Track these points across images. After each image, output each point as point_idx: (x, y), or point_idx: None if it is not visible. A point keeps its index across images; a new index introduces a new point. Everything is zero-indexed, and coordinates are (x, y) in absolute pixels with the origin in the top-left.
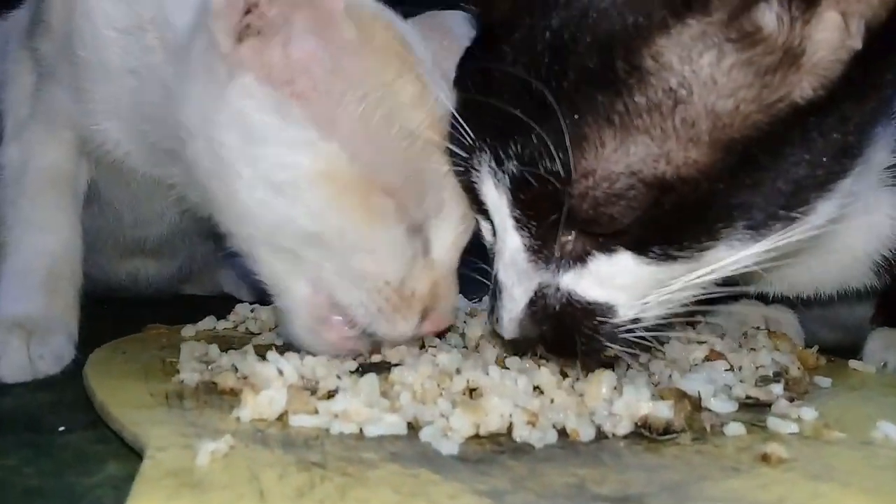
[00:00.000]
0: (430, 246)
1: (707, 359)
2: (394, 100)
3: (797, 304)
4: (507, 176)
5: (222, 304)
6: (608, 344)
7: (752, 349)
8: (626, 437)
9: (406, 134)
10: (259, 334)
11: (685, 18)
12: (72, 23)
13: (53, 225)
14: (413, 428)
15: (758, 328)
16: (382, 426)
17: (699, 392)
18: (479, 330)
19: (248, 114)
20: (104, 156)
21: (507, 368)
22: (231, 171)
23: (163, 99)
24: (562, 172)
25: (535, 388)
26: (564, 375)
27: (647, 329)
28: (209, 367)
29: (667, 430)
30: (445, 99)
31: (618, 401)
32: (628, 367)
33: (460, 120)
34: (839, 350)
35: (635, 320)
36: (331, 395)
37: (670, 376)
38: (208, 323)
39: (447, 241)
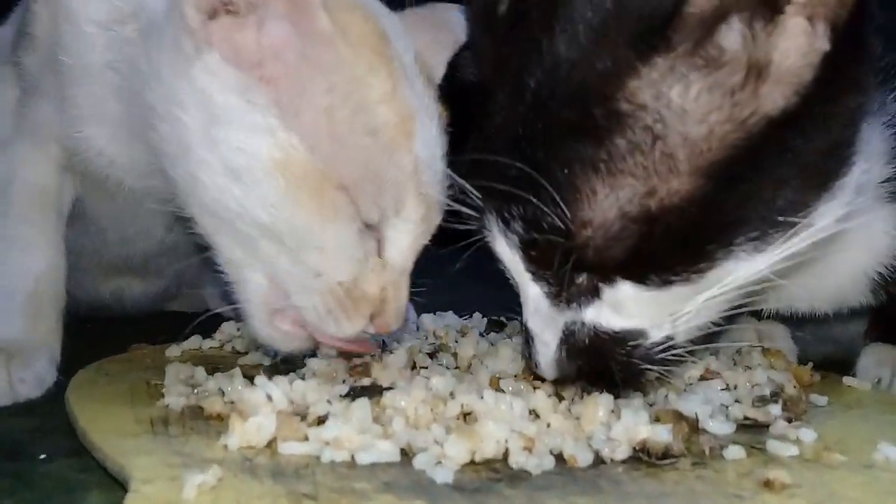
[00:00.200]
0: (385, 246)
1: (702, 377)
2: (362, 95)
3: (792, 319)
4: (515, 235)
5: (208, 321)
6: (646, 367)
7: (747, 367)
8: (624, 461)
9: (370, 130)
10: (246, 353)
11: (651, 57)
12: (57, 28)
13: (36, 245)
14: (406, 454)
15: (752, 345)
16: (375, 453)
17: (696, 413)
18: (472, 349)
19: (212, 93)
20: (90, 169)
21: (502, 391)
22: (193, 154)
23: (140, 87)
24: (562, 227)
25: (531, 411)
26: (560, 398)
27: (685, 344)
28: (195, 391)
29: (666, 454)
30: (415, 96)
31: (616, 425)
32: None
33: (467, 186)
34: (831, 364)
35: (668, 338)
36: (321, 420)
37: (666, 396)
38: (194, 342)
39: (404, 242)
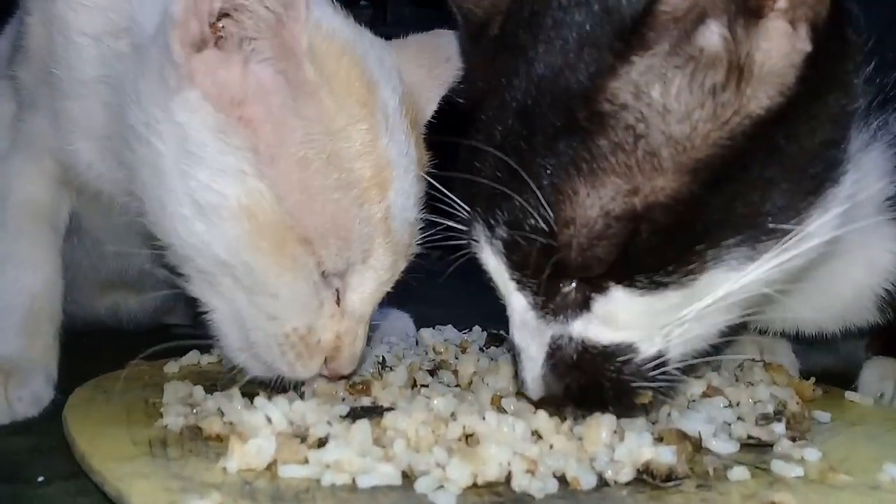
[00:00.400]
0: (345, 294)
1: (705, 394)
2: (340, 148)
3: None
4: (499, 241)
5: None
6: (638, 384)
7: (749, 383)
8: (628, 484)
9: (343, 185)
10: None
11: (630, 57)
12: (50, 40)
13: (33, 261)
14: (408, 477)
15: (753, 360)
16: (376, 477)
17: (700, 432)
18: (472, 366)
19: (189, 129)
20: (83, 183)
21: (504, 410)
22: (164, 182)
23: (124, 105)
24: (545, 228)
25: (533, 432)
26: (563, 418)
27: (680, 364)
28: (194, 411)
29: (670, 476)
30: (395, 146)
31: (619, 447)
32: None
33: (453, 197)
34: (831, 376)
35: (660, 355)
36: (321, 442)
37: (669, 414)
38: (192, 358)
39: (366, 290)
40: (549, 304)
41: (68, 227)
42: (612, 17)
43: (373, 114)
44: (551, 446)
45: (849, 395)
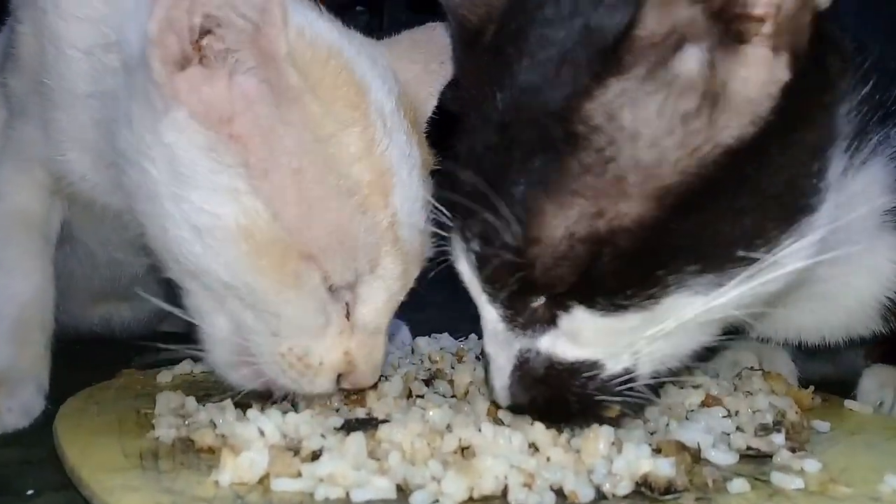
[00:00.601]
0: (356, 307)
1: (703, 404)
2: (333, 154)
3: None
4: (472, 254)
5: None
6: (603, 398)
7: (748, 392)
8: (626, 497)
9: (342, 192)
10: None
11: (605, 79)
12: (41, 50)
13: (23, 270)
14: (402, 490)
15: (752, 368)
16: (371, 490)
17: (698, 443)
18: (468, 376)
19: (178, 151)
20: (76, 193)
21: (500, 421)
22: (159, 205)
23: (116, 126)
24: (513, 244)
25: (530, 445)
26: (560, 430)
27: (651, 381)
28: (186, 422)
29: (669, 488)
30: (395, 147)
31: (617, 459)
32: (636, 412)
33: (437, 205)
34: (830, 384)
35: (628, 372)
36: (315, 455)
37: (667, 425)
38: (185, 367)
39: (378, 302)
40: (517, 318)
41: (60, 236)
42: (591, 38)
43: (366, 116)
44: (548, 459)
45: (848, 403)
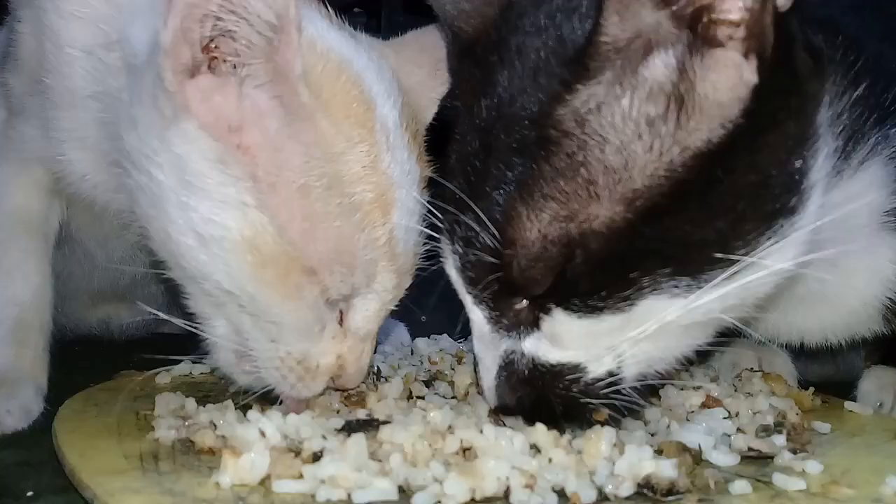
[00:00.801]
0: (349, 315)
1: (704, 405)
2: (340, 172)
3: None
4: (456, 256)
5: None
6: (587, 400)
7: (748, 394)
8: (628, 498)
9: (346, 210)
10: None
11: (574, 85)
12: (40, 49)
13: (21, 271)
14: (404, 492)
15: (752, 369)
16: (372, 492)
17: (700, 444)
18: (469, 377)
19: (188, 161)
20: (76, 192)
21: (502, 422)
22: (164, 211)
23: (119, 127)
24: (492, 246)
25: (532, 446)
26: (562, 431)
27: (637, 385)
28: (186, 424)
29: (671, 490)
30: (396, 164)
31: (619, 460)
32: (624, 415)
33: (431, 209)
34: (830, 385)
35: (612, 374)
36: (316, 456)
37: (668, 426)
38: (184, 368)
39: (370, 310)
40: (502, 319)
41: (59, 237)
42: (563, 45)
43: (372, 133)
44: (550, 460)
45: (848, 404)
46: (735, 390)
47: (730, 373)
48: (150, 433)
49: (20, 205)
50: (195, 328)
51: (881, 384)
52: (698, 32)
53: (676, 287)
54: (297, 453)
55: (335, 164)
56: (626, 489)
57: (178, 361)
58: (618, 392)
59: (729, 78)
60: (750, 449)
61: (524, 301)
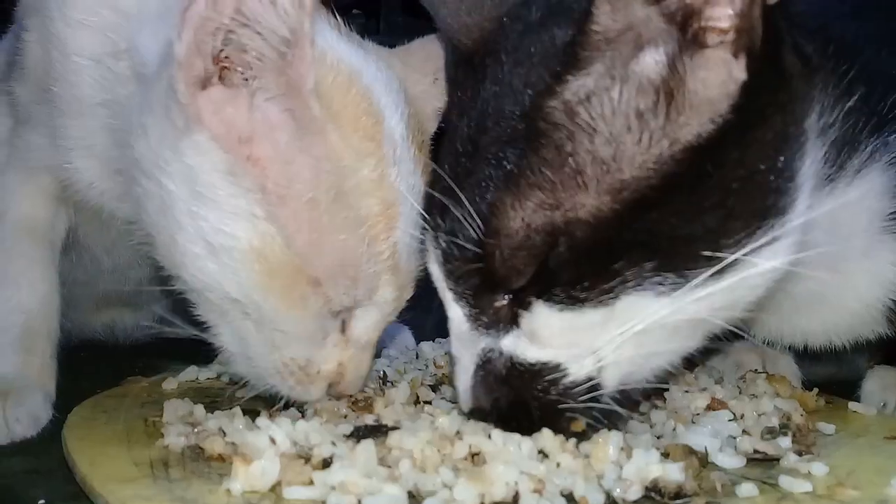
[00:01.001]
0: (350, 323)
1: (709, 407)
2: (348, 185)
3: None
4: (439, 250)
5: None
6: (567, 407)
7: (752, 395)
8: (636, 501)
9: (352, 224)
10: (244, 384)
11: (564, 76)
12: (47, 58)
13: (29, 279)
14: (414, 497)
15: (755, 371)
16: (382, 498)
17: (706, 447)
18: None
19: (199, 172)
20: (83, 200)
21: None
22: (173, 220)
23: (128, 134)
24: (475, 237)
25: (540, 451)
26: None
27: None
28: (195, 430)
29: (678, 493)
30: (402, 178)
31: (627, 464)
32: (630, 418)
33: (419, 209)
34: (833, 385)
35: (591, 379)
36: (326, 462)
37: (674, 429)
38: (190, 373)
39: (371, 320)
40: (481, 317)
41: (66, 243)
42: (554, 39)
43: (380, 147)
44: (558, 465)
45: (851, 405)
46: (739, 392)
47: (733, 374)
48: (159, 440)
49: (27, 213)
50: (201, 334)
51: (885, 384)
52: (688, 34)
53: (661, 284)
54: (307, 460)
55: (344, 177)
56: (635, 493)
57: (185, 366)
58: (596, 400)
59: (718, 75)
60: (755, 451)
61: (504, 298)
